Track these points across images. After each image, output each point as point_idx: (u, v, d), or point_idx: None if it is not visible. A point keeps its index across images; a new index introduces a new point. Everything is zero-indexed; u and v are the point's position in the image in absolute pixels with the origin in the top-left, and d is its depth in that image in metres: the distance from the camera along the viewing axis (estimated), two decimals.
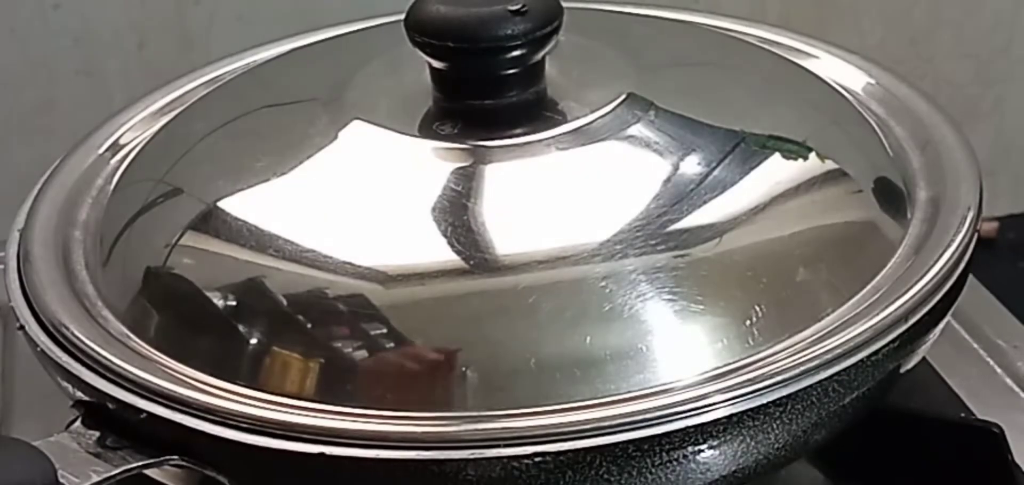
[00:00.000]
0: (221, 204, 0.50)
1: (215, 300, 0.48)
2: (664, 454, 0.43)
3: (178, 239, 0.50)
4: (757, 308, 0.46)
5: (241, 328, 0.47)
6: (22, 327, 0.49)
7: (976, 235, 0.50)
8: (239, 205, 0.50)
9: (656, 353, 0.45)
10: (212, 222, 0.50)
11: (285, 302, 0.47)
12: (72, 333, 0.48)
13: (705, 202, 0.48)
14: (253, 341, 0.47)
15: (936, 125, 0.56)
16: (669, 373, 0.45)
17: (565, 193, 0.49)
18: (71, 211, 0.55)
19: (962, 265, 0.49)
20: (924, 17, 0.95)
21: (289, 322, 0.47)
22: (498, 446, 0.42)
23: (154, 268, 0.50)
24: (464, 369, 0.45)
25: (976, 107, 0.98)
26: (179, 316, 0.49)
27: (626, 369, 0.44)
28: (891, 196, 0.52)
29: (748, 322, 0.46)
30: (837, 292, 0.48)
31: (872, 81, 0.59)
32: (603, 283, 0.46)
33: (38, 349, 0.48)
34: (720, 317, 0.46)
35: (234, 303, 0.48)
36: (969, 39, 0.97)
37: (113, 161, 0.58)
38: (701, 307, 0.46)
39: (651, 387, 0.44)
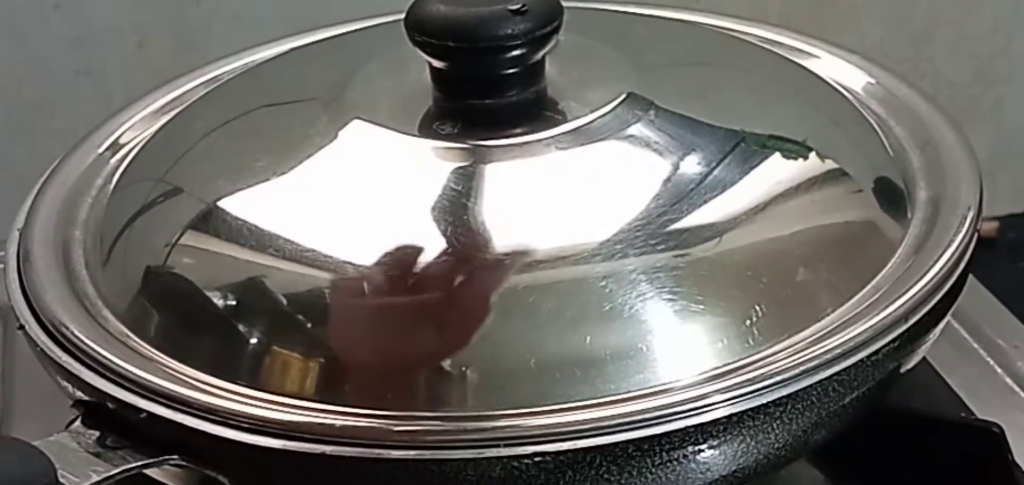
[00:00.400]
0: (221, 204, 0.50)
1: (215, 300, 0.48)
2: (664, 454, 0.43)
3: (178, 239, 0.50)
4: (757, 308, 0.46)
5: (241, 328, 0.47)
6: (22, 327, 0.49)
7: (976, 235, 0.50)
8: (239, 205, 0.50)
9: (656, 353, 0.45)
10: (212, 222, 0.50)
11: (285, 302, 0.47)
12: (72, 333, 0.48)
13: (705, 202, 0.48)
14: (253, 341, 0.47)
15: (936, 125, 0.56)
16: (669, 373, 0.45)
17: (565, 193, 0.49)
18: (71, 211, 0.55)
19: (962, 265, 0.49)
20: (924, 17, 0.95)
21: (289, 322, 0.47)
22: (498, 446, 0.42)
23: (154, 268, 0.50)
24: (464, 369, 0.45)
25: (976, 107, 0.98)
26: (179, 316, 0.49)
27: (626, 369, 0.44)
28: (891, 196, 0.52)
29: (748, 322, 0.46)
30: (837, 292, 0.48)
31: (872, 81, 0.59)
32: (603, 283, 0.46)
33: (38, 349, 0.48)
34: (720, 317, 0.46)
35: (234, 303, 0.48)
36: (969, 39, 0.97)
37: (113, 161, 0.58)
38: (701, 307, 0.46)
39: (651, 387, 0.44)
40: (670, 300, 0.46)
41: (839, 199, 0.51)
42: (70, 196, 0.56)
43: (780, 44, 0.61)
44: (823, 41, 0.61)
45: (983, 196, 0.51)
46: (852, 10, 0.94)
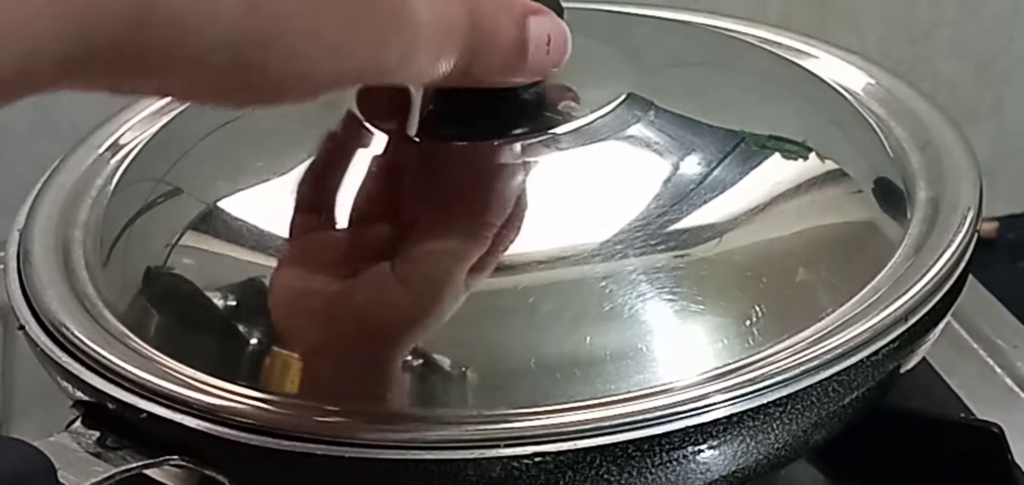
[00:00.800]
0: (221, 204, 0.50)
1: (215, 300, 0.48)
2: (664, 454, 0.43)
3: (178, 239, 0.50)
4: (757, 308, 0.46)
5: (241, 328, 0.47)
6: (22, 327, 0.49)
7: (976, 235, 0.50)
8: (239, 205, 0.50)
9: (656, 353, 0.45)
10: (212, 222, 0.50)
11: None
12: (72, 333, 0.48)
13: (705, 202, 0.48)
14: (253, 341, 0.47)
15: (936, 125, 0.56)
16: (669, 373, 0.45)
17: (565, 193, 0.49)
18: (71, 211, 0.55)
19: (962, 265, 0.49)
20: (924, 17, 0.95)
21: None
22: (498, 446, 0.42)
23: (154, 268, 0.50)
24: (464, 369, 0.45)
25: (976, 107, 0.98)
26: (179, 316, 0.49)
27: (626, 369, 0.44)
28: (891, 196, 0.52)
29: (748, 322, 0.46)
30: (837, 292, 0.48)
31: (872, 81, 0.59)
32: (603, 283, 0.46)
33: (38, 349, 0.48)
34: (720, 317, 0.46)
35: (234, 303, 0.48)
36: (969, 39, 0.97)
37: (113, 161, 0.58)
38: (701, 307, 0.46)
39: (651, 387, 0.44)
40: (670, 300, 0.46)
41: (839, 199, 0.51)
42: (70, 196, 0.56)
43: (780, 44, 0.61)
44: (823, 41, 0.61)
45: (983, 196, 0.51)
46: (852, 10, 0.94)
